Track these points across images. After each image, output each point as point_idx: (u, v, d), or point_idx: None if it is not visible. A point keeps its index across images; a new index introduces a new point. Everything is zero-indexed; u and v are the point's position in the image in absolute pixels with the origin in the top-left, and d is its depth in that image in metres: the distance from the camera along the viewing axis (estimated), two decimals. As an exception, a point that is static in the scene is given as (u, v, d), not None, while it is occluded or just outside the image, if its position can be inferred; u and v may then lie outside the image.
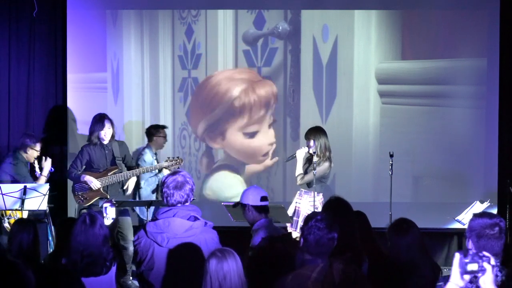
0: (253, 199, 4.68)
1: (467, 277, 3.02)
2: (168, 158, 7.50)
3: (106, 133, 7.38)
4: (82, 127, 8.63)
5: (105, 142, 7.41)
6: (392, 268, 4.23)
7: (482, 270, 3.01)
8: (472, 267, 3.03)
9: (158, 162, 7.71)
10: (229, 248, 3.62)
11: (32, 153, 7.55)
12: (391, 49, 8.52)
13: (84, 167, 7.43)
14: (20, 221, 5.08)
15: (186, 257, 4.23)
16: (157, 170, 7.63)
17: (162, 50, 8.75)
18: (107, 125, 7.39)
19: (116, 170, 7.40)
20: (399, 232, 4.34)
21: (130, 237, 7.27)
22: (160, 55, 8.76)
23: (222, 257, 3.53)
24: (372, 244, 4.52)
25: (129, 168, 7.52)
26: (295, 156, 7.13)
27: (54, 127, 8.78)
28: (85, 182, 7.31)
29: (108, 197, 7.24)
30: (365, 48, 8.52)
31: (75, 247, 4.26)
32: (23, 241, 4.75)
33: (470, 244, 3.43)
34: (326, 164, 7.04)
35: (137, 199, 7.73)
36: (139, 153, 7.97)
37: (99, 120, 7.42)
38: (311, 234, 3.62)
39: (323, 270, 3.53)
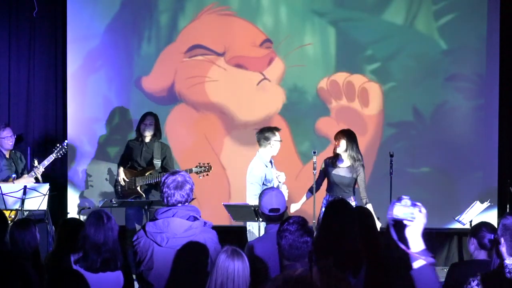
0: (263, 207, 4.65)
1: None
2: (199, 163, 7.36)
3: (146, 129, 7.52)
4: (82, 127, 8.63)
5: (147, 139, 7.55)
6: (388, 267, 4.21)
7: (411, 217, 2.98)
8: (399, 211, 3.03)
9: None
10: (240, 250, 3.61)
11: (4, 143, 7.54)
12: (391, 49, 8.54)
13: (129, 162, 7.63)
14: (20, 221, 5.08)
15: (187, 257, 4.24)
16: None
17: (162, 50, 8.77)
18: (148, 121, 7.55)
19: (152, 170, 7.47)
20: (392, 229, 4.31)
21: None
22: (160, 55, 8.78)
23: (230, 257, 3.53)
24: (373, 243, 4.51)
25: (165, 171, 7.48)
26: None
27: (54, 127, 8.77)
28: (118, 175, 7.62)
29: (144, 196, 7.42)
30: (366, 48, 8.54)
31: (93, 244, 4.23)
32: (25, 241, 4.76)
33: (502, 242, 3.31)
34: (361, 168, 6.91)
35: None
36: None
37: (143, 115, 7.65)
38: (283, 239, 3.56)
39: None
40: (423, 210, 2.98)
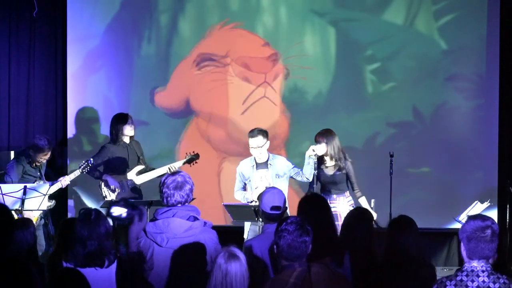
0: (264, 205, 4.67)
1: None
2: (187, 153, 7.39)
3: (130, 129, 7.38)
4: (82, 127, 8.63)
5: (127, 140, 7.40)
6: (384, 267, 4.22)
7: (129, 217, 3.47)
8: (117, 211, 3.49)
9: None
10: (238, 250, 3.61)
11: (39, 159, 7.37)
12: (391, 49, 8.54)
13: (102, 166, 7.41)
14: (19, 220, 5.08)
15: (187, 257, 4.25)
16: None
17: (162, 50, 8.76)
18: (131, 120, 7.42)
19: (141, 169, 7.41)
20: (398, 229, 4.33)
21: None
22: (160, 55, 8.77)
23: (227, 260, 3.55)
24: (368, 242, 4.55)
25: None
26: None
27: (54, 127, 8.78)
28: (106, 182, 7.31)
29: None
30: (366, 48, 8.54)
31: (78, 239, 4.20)
32: (23, 240, 4.76)
33: (462, 246, 3.39)
34: (349, 163, 6.89)
35: None
36: None
37: (122, 117, 7.45)
38: (282, 238, 3.57)
39: (301, 275, 3.49)
40: (144, 214, 3.17)
